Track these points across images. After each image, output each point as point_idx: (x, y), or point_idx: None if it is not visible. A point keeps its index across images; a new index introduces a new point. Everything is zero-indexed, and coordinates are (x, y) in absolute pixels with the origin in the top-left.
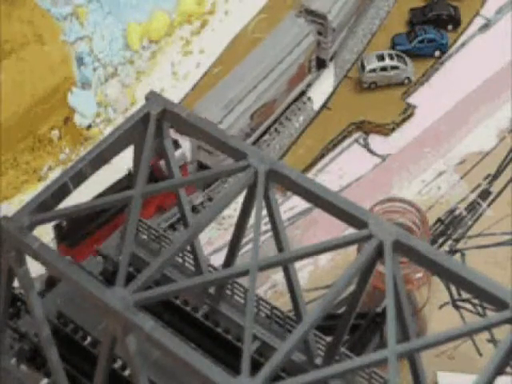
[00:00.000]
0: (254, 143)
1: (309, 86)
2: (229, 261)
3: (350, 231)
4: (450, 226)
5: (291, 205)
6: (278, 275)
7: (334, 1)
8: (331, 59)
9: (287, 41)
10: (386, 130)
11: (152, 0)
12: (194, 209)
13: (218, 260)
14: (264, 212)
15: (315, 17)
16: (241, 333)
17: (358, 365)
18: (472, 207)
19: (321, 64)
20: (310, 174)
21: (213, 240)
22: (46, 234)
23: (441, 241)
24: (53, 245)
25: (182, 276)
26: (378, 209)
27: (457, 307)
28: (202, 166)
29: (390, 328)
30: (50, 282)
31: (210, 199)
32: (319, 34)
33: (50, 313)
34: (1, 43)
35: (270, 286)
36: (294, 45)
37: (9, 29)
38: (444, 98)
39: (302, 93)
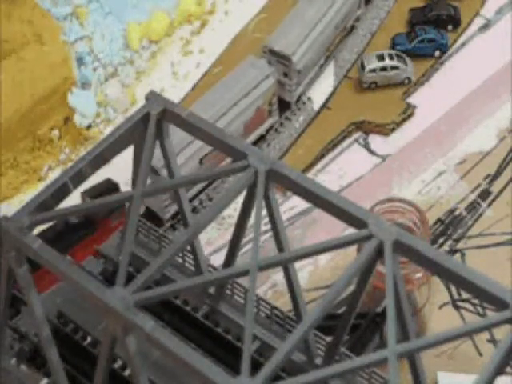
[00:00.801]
0: (254, 143)
1: (270, 129)
2: (229, 261)
3: (350, 231)
4: (450, 226)
5: (291, 205)
6: (278, 275)
7: (299, 42)
8: (297, 101)
9: (244, 83)
10: (386, 129)
11: (152, 0)
12: (194, 209)
13: (218, 260)
14: (264, 212)
15: (280, 58)
16: (241, 333)
17: (358, 365)
18: (472, 207)
19: (285, 106)
20: (309, 174)
21: (213, 240)
22: None
23: (441, 241)
24: None
25: (181, 276)
26: (378, 209)
27: (457, 307)
28: (149, 211)
29: (390, 328)
30: None
31: (210, 199)
32: (285, 75)
33: (50, 313)
34: (1, 43)
35: (270, 286)
36: (251, 87)
37: (9, 29)
38: (444, 98)
39: (262, 136)
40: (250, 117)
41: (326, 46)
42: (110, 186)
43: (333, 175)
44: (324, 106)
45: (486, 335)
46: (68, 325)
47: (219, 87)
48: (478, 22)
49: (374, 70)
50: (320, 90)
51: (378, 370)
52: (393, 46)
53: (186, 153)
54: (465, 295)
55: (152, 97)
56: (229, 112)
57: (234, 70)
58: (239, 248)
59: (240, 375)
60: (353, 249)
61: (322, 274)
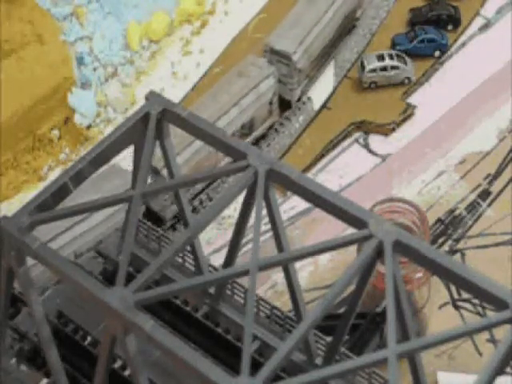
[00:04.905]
0: (254, 143)
1: (270, 128)
2: (229, 261)
3: (350, 231)
4: (450, 226)
5: (291, 205)
6: (277, 275)
7: (299, 41)
8: (298, 100)
9: (244, 81)
10: (386, 129)
11: (152, 0)
12: (194, 209)
13: (218, 260)
14: (264, 212)
15: (280, 57)
16: (241, 333)
17: (358, 365)
18: (472, 207)
19: (286, 105)
20: (309, 174)
21: (213, 240)
22: None
23: (441, 241)
24: None
25: (181, 276)
26: (378, 209)
27: (457, 307)
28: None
29: (390, 328)
30: None
31: (210, 199)
32: (285, 75)
33: (50, 313)
34: (1, 43)
35: (270, 286)
36: (251, 86)
37: (9, 29)
38: (444, 98)
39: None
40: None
41: (326, 45)
42: None
43: (333, 175)
44: (324, 106)
45: (485, 335)
46: (68, 325)
47: (220, 86)
48: (478, 22)
49: (374, 70)
50: (320, 90)
51: (378, 370)
52: (393, 46)
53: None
54: (465, 295)
55: (152, 97)
56: (230, 111)
57: (233, 68)
58: (239, 248)
59: (240, 375)
60: (353, 249)
61: (322, 274)
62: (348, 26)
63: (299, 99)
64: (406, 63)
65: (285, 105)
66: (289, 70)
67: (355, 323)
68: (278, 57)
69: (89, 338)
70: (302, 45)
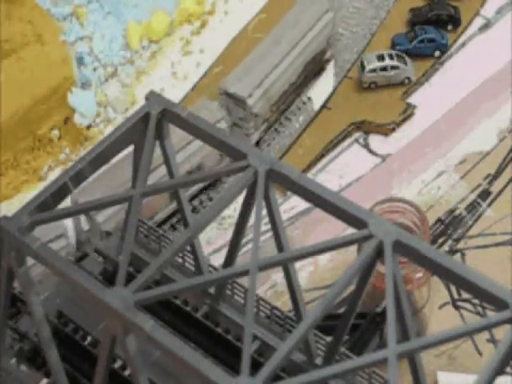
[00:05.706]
0: (254, 143)
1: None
2: (229, 261)
3: (350, 231)
4: (450, 226)
5: (291, 205)
6: (277, 275)
7: (256, 84)
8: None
9: None
10: (386, 129)
11: (152, 0)
12: (194, 209)
13: (218, 260)
14: (264, 212)
15: (235, 100)
16: (241, 333)
17: (358, 365)
18: (472, 207)
19: None
20: (309, 174)
21: (213, 240)
22: None
23: (441, 241)
24: None
25: (181, 276)
26: (378, 209)
27: (457, 307)
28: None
29: (390, 328)
30: None
31: (210, 199)
32: (241, 119)
33: (50, 313)
34: (1, 43)
35: (270, 286)
36: None
37: (9, 29)
38: (444, 98)
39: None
40: None
41: (288, 89)
42: None
43: (333, 175)
44: (324, 106)
45: (485, 335)
46: (68, 325)
47: None
48: (478, 22)
49: (374, 70)
50: (320, 90)
51: (378, 370)
52: (393, 46)
53: None
54: (465, 295)
55: (152, 97)
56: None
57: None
58: (239, 248)
59: (240, 375)
60: (353, 249)
61: (322, 274)
62: (316, 67)
63: (257, 143)
64: (405, 63)
65: None
66: (245, 114)
67: (355, 323)
68: (233, 100)
69: (89, 338)
70: (259, 88)
